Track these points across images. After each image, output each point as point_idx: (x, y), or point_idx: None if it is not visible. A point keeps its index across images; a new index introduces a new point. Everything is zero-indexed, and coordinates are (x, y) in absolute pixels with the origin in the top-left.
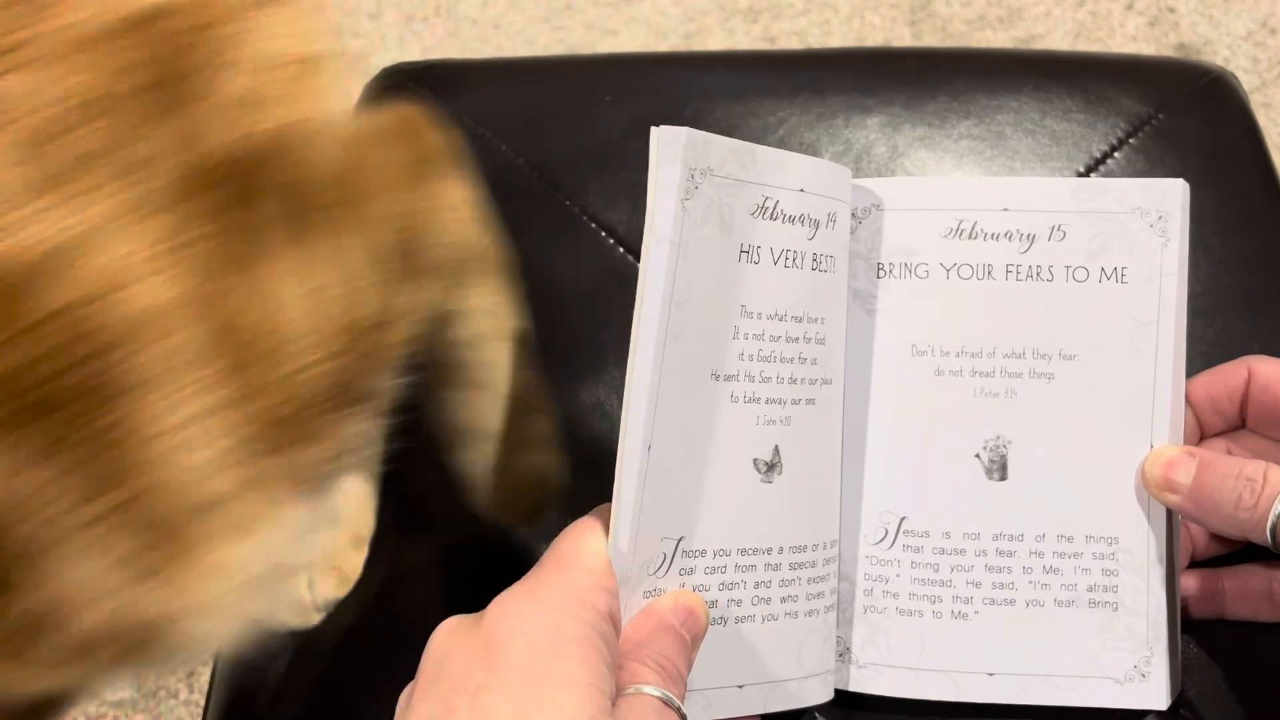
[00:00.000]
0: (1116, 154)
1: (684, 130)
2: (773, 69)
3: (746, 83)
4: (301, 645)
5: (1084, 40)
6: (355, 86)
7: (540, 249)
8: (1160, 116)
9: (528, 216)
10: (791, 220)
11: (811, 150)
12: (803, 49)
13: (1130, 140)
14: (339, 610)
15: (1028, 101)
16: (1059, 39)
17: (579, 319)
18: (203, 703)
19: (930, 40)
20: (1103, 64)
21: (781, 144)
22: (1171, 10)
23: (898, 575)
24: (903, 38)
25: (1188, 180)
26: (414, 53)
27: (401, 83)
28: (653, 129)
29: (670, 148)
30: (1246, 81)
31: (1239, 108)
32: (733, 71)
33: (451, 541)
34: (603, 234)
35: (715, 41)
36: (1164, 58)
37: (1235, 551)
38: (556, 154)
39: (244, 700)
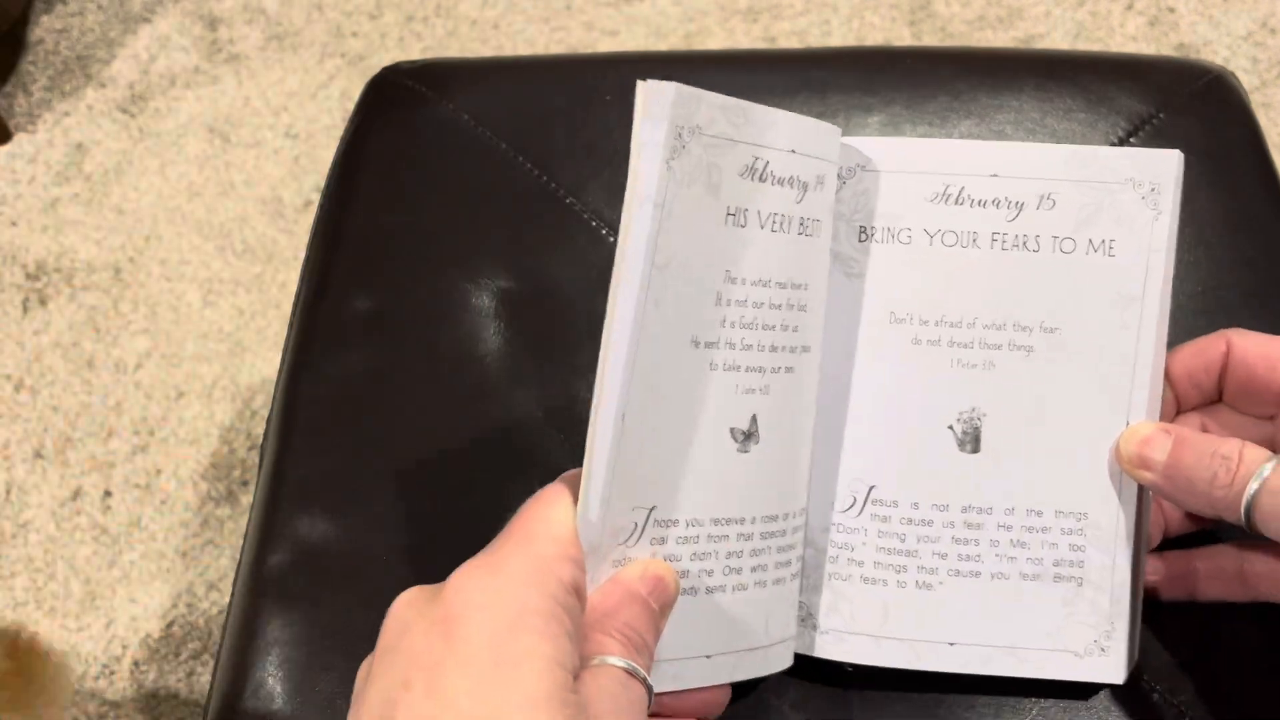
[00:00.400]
0: None
1: (672, 86)
2: (773, 69)
3: (746, 83)
4: (300, 643)
5: (1084, 40)
6: (355, 86)
7: (541, 247)
8: (1160, 116)
9: (528, 215)
10: (781, 182)
11: None
12: (803, 49)
13: (1131, 140)
14: (334, 605)
15: (1028, 101)
16: (1059, 39)
17: (579, 315)
18: (203, 703)
19: (930, 40)
20: (1103, 64)
21: None
22: (1171, 10)
23: (864, 543)
24: (903, 38)
25: (1188, 179)
26: (414, 53)
27: (401, 82)
28: (639, 83)
29: (657, 105)
30: (1246, 81)
31: (1239, 107)
32: (733, 71)
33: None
34: (603, 231)
35: (715, 41)
36: (1164, 57)
37: (1207, 529)
38: (557, 153)
39: (244, 700)
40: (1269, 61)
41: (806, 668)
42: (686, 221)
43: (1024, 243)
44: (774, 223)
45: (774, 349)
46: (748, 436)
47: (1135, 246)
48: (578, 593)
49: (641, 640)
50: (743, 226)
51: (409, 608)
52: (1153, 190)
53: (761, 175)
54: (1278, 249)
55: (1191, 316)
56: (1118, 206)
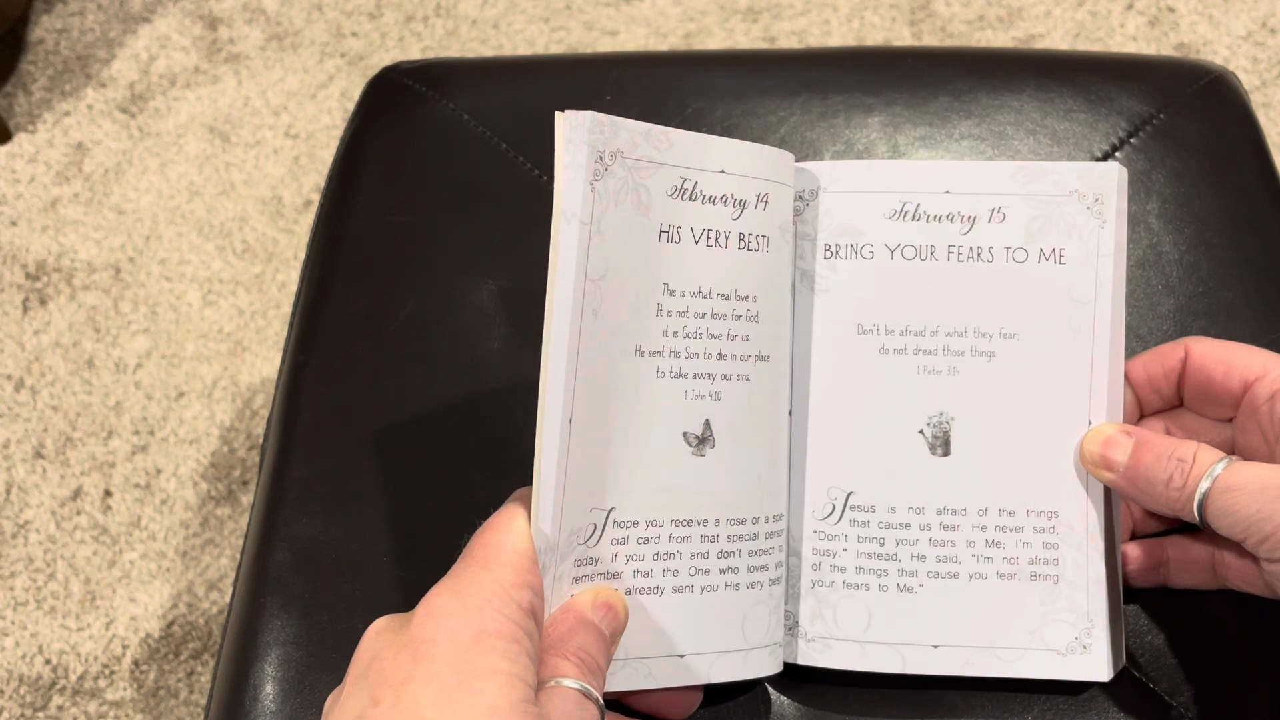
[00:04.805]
0: (1118, 154)
1: (588, 114)
2: (773, 69)
3: (746, 83)
4: (300, 643)
5: (1084, 40)
6: (355, 86)
7: (540, 247)
8: (1161, 116)
9: (528, 215)
10: (712, 200)
11: (813, 149)
12: (803, 48)
13: (1131, 140)
14: (334, 605)
15: (1029, 101)
16: (1059, 39)
17: None
18: (203, 703)
19: (930, 40)
20: (1104, 64)
21: (783, 143)
22: (1171, 10)
23: (845, 550)
24: (903, 38)
25: (1189, 179)
26: (414, 53)
27: (401, 82)
28: (556, 114)
29: (575, 131)
30: (1246, 81)
31: (1239, 107)
32: (733, 71)
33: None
34: None
35: (715, 41)
36: (1165, 57)
37: (1170, 528)
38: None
39: (244, 700)
40: (1269, 61)
41: (805, 666)
42: (619, 238)
43: (978, 254)
44: (709, 238)
45: (722, 356)
46: (702, 441)
47: (1084, 254)
48: (534, 616)
49: (595, 663)
50: (677, 242)
51: (379, 636)
52: (1096, 200)
53: (691, 194)
54: (1278, 249)
55: (1193, 318)
56: (1065, 217)
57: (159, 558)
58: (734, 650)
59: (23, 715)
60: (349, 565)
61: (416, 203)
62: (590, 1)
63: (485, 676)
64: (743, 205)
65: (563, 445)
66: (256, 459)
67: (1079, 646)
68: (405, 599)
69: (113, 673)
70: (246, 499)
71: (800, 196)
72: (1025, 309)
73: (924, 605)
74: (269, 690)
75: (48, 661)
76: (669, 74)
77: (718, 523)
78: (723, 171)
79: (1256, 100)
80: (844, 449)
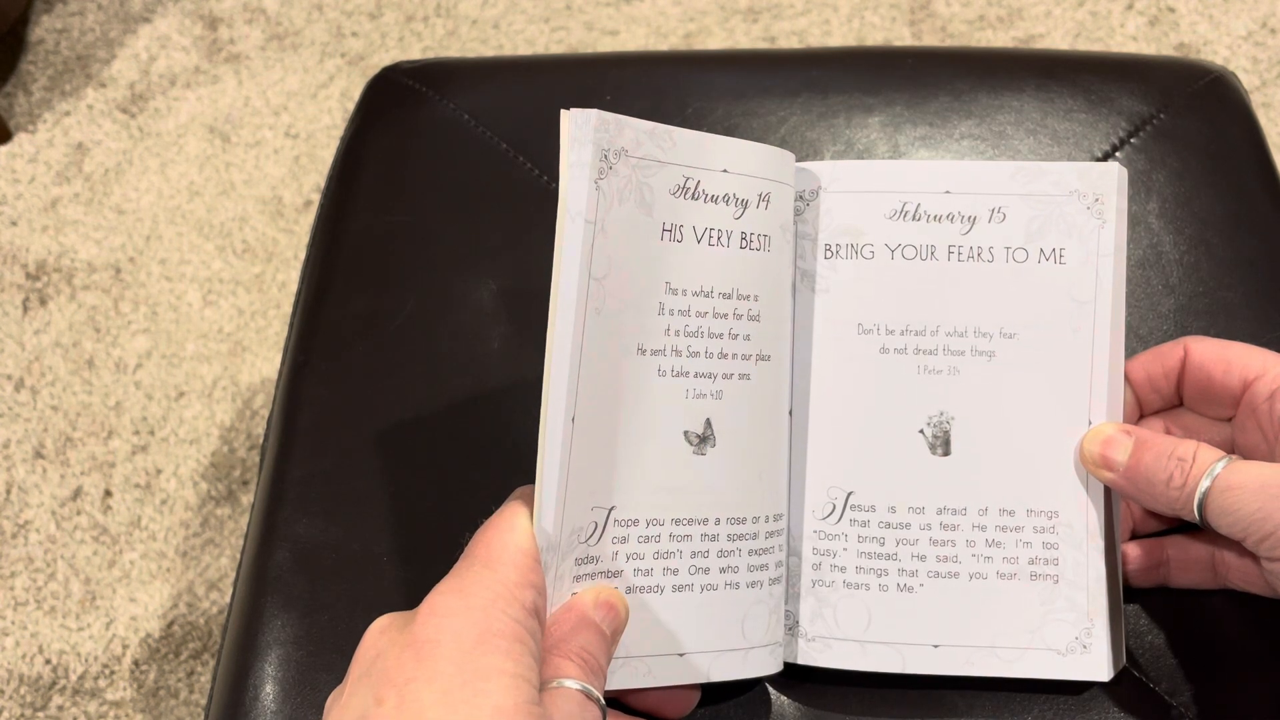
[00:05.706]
0: (1118, 154)
1: (594, 112)
2: (773, 69)
3: (747, 83)
4: (300, 643)
5: (1084, 40)
6: (355, 86)
7: (540, 247)
8: (1161, 116)
9: (528, 215)
10: (714, 200)
11: (813, 149)
12: (803, 49)
13: (1132, 140)
14: (334, 605)
15: (1029, 101)
16: (1059, 39)
17: None
18: (203, 703)
19: (930, 40)
20: (1104, 64)
21: (783, 143)
22: (1171, 10)
23: (845, 549)
24: (903, 38)
25: (1189, 179)
26: (414, 53)
27: (402, 82)
28: (563, 111)
29: (581, 129)
30: (1246, 81)
31: (1239, 107)
32: (733, 71)
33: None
34: None
35: (715, 41)
36: (1165, 57)
37: (1170, 527)
38: (557, 153)
39: (244, 700)
40: (1269, 61)
41: (805, 666)
42: (622, 237)
43: (979, 254)
44: (711, 237)
45: (723, 356)
46: (703, 440)
47: (1084, 254)
48: (537, 616)
49: (597, 663)
50: (679, 241)
51: (381, 635)
52: (1096, 200)
53: (694, 194)
54: (1278, 249)
55: (1192, 317)
56: (1065, 217)
57: (159, 558)
58: (734, 649)
59: (23, 715)
60: (349, 565)
61: (416, 203)
62: (590, 1)
63: (489, 677)
64: (744, 205)
65: (565, 444)
66: (256, 459)
67: (1079, 646)
68: (406, 599)
69: (113, 673)
70: (246, 499)
71: (801, 196)
72: (1025, 309)
73: (924, 605)
74: (269, 690)
75: (48, 661)
76: (669, 74)
77: (718, 522)
78: (725, 171)
79: (1256, 100)
80: (844, 449)
